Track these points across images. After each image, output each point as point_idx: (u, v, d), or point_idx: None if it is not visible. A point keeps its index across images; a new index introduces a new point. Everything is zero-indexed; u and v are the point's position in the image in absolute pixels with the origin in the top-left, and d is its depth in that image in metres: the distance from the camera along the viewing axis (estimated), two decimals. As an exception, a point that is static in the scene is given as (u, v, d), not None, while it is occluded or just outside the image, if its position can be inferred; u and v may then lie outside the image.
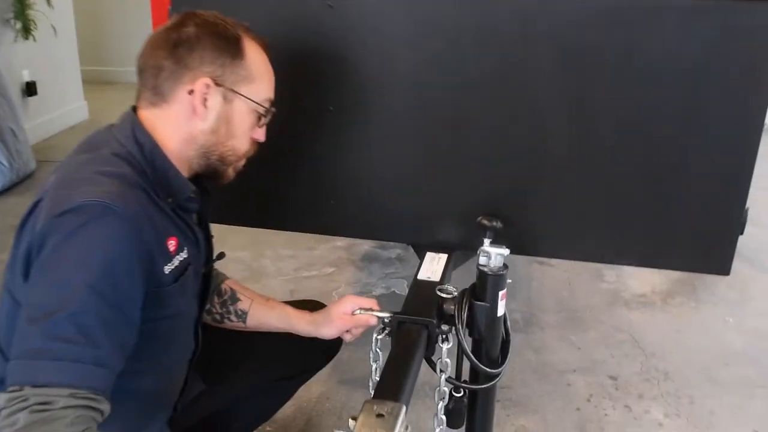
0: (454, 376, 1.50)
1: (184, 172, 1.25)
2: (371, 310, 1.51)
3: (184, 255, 1.23)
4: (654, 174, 1.58)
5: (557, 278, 3.21)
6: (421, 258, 1.72)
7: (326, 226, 1.84)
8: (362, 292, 3.01)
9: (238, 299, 1.60)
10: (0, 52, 4.37)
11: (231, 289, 1.61)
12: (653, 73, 1.50)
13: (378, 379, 1.46)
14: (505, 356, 1.54)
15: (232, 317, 1.59)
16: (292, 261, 3.27)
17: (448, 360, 1.42)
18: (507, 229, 1.66)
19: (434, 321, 1.41)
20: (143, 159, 1.18)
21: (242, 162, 1.33)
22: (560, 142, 1.60)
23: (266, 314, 1.59)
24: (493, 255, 1.45)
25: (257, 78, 1.26)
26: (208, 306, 1.53)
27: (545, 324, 2.82)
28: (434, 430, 1.46)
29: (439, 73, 1.60)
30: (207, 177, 1.33)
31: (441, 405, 1.46)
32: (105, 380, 0.99)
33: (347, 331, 1.56)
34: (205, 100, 1.20)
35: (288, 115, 1.69)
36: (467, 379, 1.54)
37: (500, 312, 1.49)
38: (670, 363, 2.59)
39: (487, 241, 1.60)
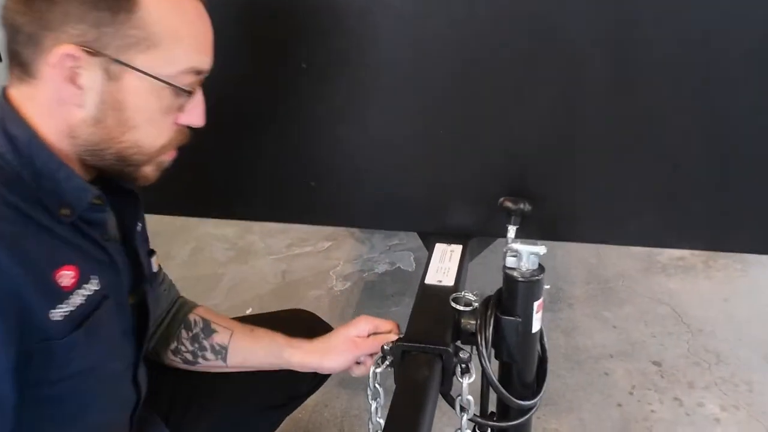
0: (478, 413, 1.15)
1: (82, 171, 0.89)
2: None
3: (92, 287, 0.89)
4: (724, 141, 1.21)
5: (583, 244, 2.84)
6: (430, 251, 1.36)
7: (308, 214, 1.47)
8: (362, 270, 2.66)
9: (214, 331, 1.24)
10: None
11: (202, 319, 1.25)
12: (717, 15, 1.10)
13: (379, 420, 1.14)
14: (541, 383, 1.19)
15: (208, 354, 1.24)
16: (283, 236, 2.91)
17: (470, 397, 1.07)
18: (537, 212, 1.31)
19: (450, 349, 1.05)
20: (17, 158, 0.81)
21: (166, 157, 0.95)
22: (600, 98, 1.21)
23: (252, 347, 1.25)
24: (524, 255, 1.09)
25: (165, 39, 0.86)
26: (174, 345, 1.22)
27: (574, 299, 2.46)
28: (454, 479, 1.13)
29: (446, 13, 1.20)
30: (117, 177, 0.95)
31: (462, 450, 1.12)
32: None
33: (358, 362, 1.22)
34: (73, 76, 0.82)
35: (251, 77, 1.34)
36: (494, 412, 1.20)
37: (535, 328, 1.14)
38: (721, 341, 2.24)
39: (512, 229, 1.24)
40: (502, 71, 1.22)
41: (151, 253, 1.11)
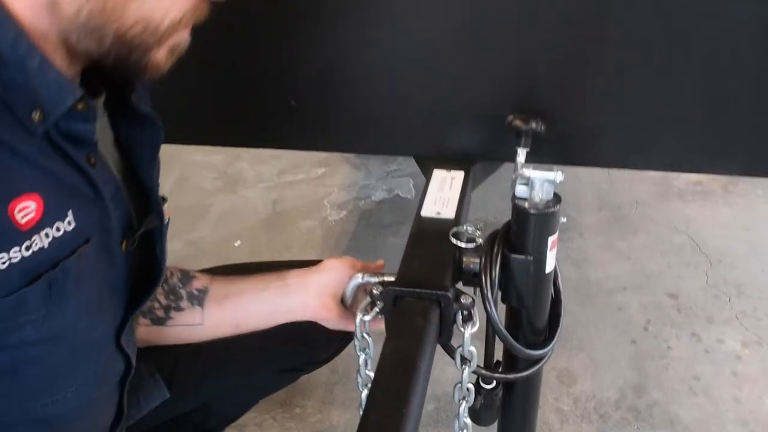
0: (482, 364, 1.01)
1: (65, 62, 0.68)
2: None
3: (64, 226, 0.68)
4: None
5: (594, 169, 2.66)
6: (427, 178, 1.18)
7: (290, 137, 1.29)
8: (358, 198, 2.49)
9: (193, 277, 1.06)
10: None
11: (179, 269, 1.06)
12: None
13: (368, 373, 0.99)
14: (554, 329, 1.04)
15: (183, 304, 1.03)
16: (274, 162, 2.73)
17: (472, 349, 0.92)
18: (551, 133, 1.13)
19: (449, 294, 0.89)
20: None
21: (181, 36, 0.72)
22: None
23: (237, 288, 1.07)
24: (537, 183, 0.92)
25: None
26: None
27: (585, 228, 2.29)
28: (456, 434, 1.00)
29: None
30: (118, 70, 0.72)
31: (464, 406, 0.98)
32: None
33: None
34: None
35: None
36: (500, 362, 1.06)
37: (549, 267, 0.98)
38: (742, 272, 2.08)
39: (522, 152, 1.07)
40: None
41: (163, 200, 0.89)
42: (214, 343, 1.09)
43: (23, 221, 0.62)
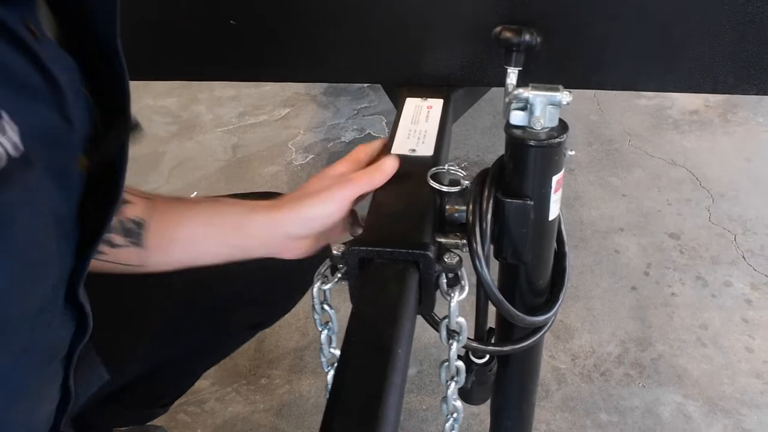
0: (473, 335, 0.82)
1: None
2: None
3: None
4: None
5: (580, 95, 2.46)
6: (398, 109, 0.97)
7: (234, 66, 1.07)
8: (327, 139, 2.26)
9: (124, 201, 0.75)
10: None
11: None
12: None
13: (333, 351, 0.82)
14: (558, 289, 0.85)
15: (117, 239, 0.74)
16: (233, 104, 2.48)
17: (461, 320, 0.73)
18: (548, 47, 0.92)
19: (429, 253, 0.69)
20: None
21: None
22: None
23: (186, 216, 0.78)
24: (538, 105, 0.72)
25: None
26: None
27: (575, 164, 2.10)
28: (445, 419, 0.82)
29: None
30: None
31: (453, 386, 0.80)
32: None
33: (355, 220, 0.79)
34: None
35: None
36: (493, 329, 0.87)
37: (553, 214, 0.78)
38: (747, 207, 1.91)
39: (513, 72, 0.86)
40: None
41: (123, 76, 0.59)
42: (150, 303, 0.90)
43: None
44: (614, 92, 2.48)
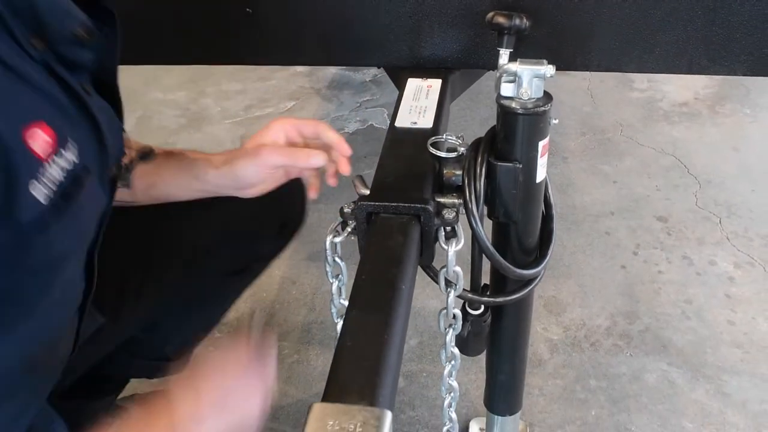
0: (468, 287, 0.91)
1: None
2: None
3: (71, 156, 0.61)
4: None
5: (575, 88, 2.55)
6: (400, 89, 1.07)
7: (249, 50, 1.16)
8: (332, 131, 2.36)
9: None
10: None
11: None
12: None
13: (343, 302, 0.90)
14: (546, 246, 0.94)
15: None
16: (240, 98, 2.58)
17: (457, 269, 0.82)
18: (537, 31, 1.01)
19: (430, 207, 0.78)
20: None
21: None
22: None
23: (159, 167, 0.95)
24: (525, 78, 0.81)
25: None
26: None
27: (568, 152, 2.19)
28: (444, 366, 0.91)
29: None
30: None
31: (451, 334, 0.90)
32: None
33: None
34: None
35: None
36: (488, 285, 0.96)
37: (540, 177, 0.88)
38: (732, 192, 2.00)
39: (504, 54, 0.95)
40: None
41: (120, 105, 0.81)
42: (141, 253, 1.02)
43: (39, 149, 0.56)
44: (607, 85, 2.58)
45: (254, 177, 0.92)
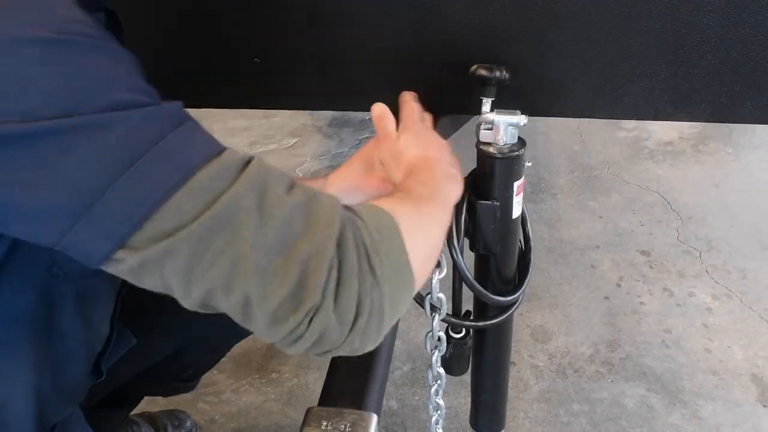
0: (450, 312, 1.01)
1: None
2: None
3: None
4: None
5: (565, 128, 2.67)
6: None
7: (256, 95, 1.27)
8: (331, 166, 2.48)
9: None
10: None
11: None
12: None
13: None
14: (523, 277, 1.04)
15: None
16: (245, 134, 2.70)
17: (441, 295, 0.92)
18: (517, 82, 1.12)
19: (416, 240, 0.88)
20: None
21: None
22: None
23: None
24: (501, 126, 0.92)
25: None
26: None
27: (557, 188, 2.30)
28: (430, 387, 1.00)
29: None
30: None
31: (437, 355, 0.99)
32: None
33: None
34: None
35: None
36: (470, 311, 1.06)
37: (516, 212, 0.98)
38: (713, 228, 2.11)
39: (487, 103, 1.06)
40: None
41: None
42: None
43: None
44: (595, 124, 2.69)
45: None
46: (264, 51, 1.19)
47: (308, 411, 0.65)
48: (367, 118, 2.76)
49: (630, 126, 2.69)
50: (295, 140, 2.65)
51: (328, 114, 2.79)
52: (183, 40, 1.19)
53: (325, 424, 0.64)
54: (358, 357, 0.74)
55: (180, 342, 1.20)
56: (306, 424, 0.64)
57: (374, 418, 0.65)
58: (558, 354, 1.67)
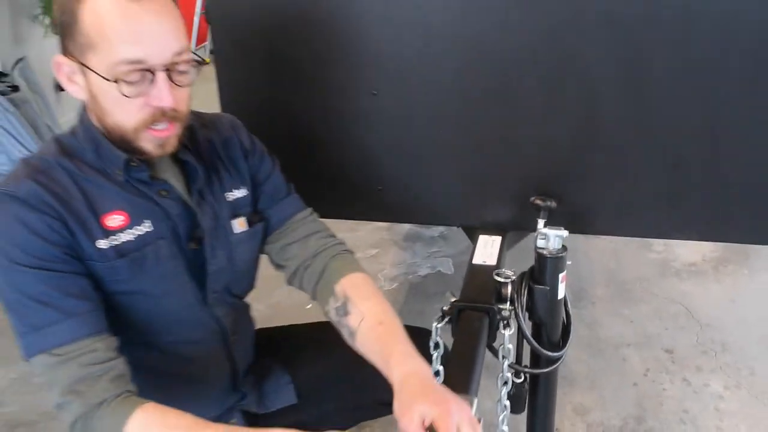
0: (514, 361, 1.47)
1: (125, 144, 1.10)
2: None
3: (141, 230, 1.11)
4: (716, 144, 1.52)
5: (603, 249, 3.15)
6: (474, 241, 1.68)
7: (373, 211, 1.80)
8: (407, 273, 2.99)
9: (348, 312, 1.20)
10: (30, 48, 4.39)
11: (345, 295, 1.23)
12: (716, 30, 1.40)
13: (441, 368, 1.45)
14: (566, 339, 1.51)
15: (344, 332, 1.21)
16: (334, 244, 3.25)
17: (510, 346, 1.39)
18: (561, 208, 1.62)
19: (495, 307, 1.37)
20: (85, 135, 1.11)
21: (155, 134, 1.07)
22: (614, 114, 1.53)
23: (370, 346, 1.16)
24: (551, 237, 1.41)
25: (99, 40, 1.00)
26: (327, 307, 1.26)
27: (596, 298, 2.77)
28: (498, 416, 1.44)
29: (483, 45, 1.53)
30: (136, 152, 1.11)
31: (504, 391, 1.43)
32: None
33: None
34: (70, 77, 1.07)
35: (329, 99, 1.67)
36: (528, 364, 1.52)
37: (560, 295, 1.46)
38: (727, 334, 2.53)
39: (541, 222, 1.56)
40: (532, 97, 1.55)
41: (236, 215, 1.24)
42: (345, 362, 1.28)
43: (111, 225, 1.07)
44: (630, 247, 3.16)
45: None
46: (385, 181, 1.73)
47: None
48: (436, 235, 3.30)
49: (660, 248, 3.15)
50: (376, 251, 3.18)
51: (402, 230, 3.34)
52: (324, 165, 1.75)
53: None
54: (466, 353, 1.20)
55: (327, 411, 1.46)
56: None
57: (475, 400, 1.12)
58: (594, 424, 2.08)
